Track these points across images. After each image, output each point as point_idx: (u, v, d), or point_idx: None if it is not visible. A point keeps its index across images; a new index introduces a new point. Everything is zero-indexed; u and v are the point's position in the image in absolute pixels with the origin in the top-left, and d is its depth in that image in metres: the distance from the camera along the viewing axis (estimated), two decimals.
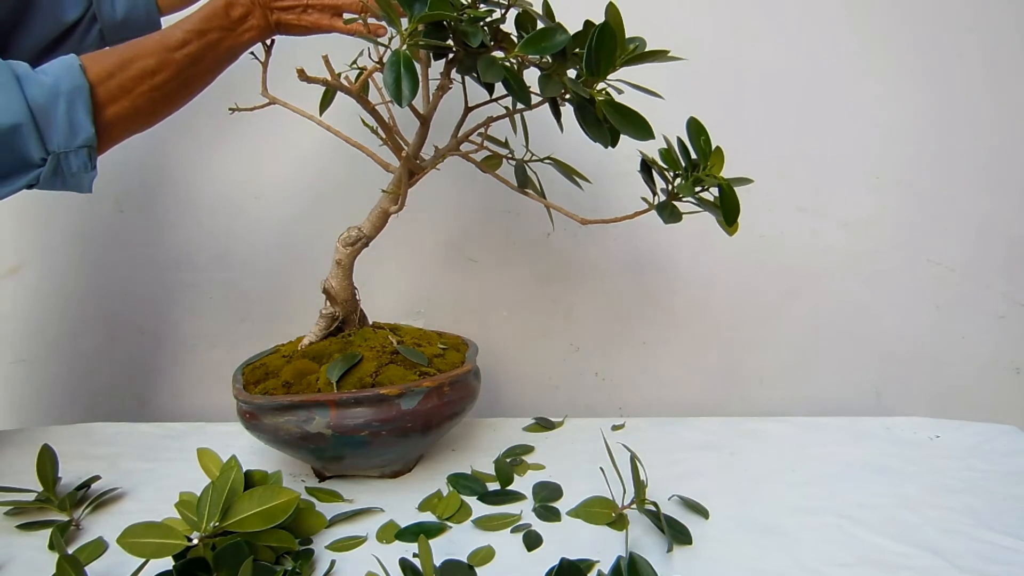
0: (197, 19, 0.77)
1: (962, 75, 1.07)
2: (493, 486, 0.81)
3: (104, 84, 0.69)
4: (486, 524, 0.73)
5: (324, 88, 0.81)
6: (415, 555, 0.65)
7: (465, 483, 0.81)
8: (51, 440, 0.81)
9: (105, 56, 0.72)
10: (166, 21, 0.84)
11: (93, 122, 0.68)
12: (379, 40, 0.73)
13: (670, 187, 0.73)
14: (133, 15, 0.87)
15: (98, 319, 1.17)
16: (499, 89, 0.74)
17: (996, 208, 1.11)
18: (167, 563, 0.60)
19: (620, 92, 0.71)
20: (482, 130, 0.84)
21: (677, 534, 0.69)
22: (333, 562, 0.66)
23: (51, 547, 0.68)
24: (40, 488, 0.75)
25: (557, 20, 0.71)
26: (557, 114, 0.76)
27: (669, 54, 0.72)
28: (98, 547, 0.69)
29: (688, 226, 0.83)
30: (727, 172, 0.71)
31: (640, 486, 0.71)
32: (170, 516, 0.68)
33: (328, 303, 0.87)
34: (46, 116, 0.66)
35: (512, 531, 0.72)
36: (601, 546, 0.69)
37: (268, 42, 0.82)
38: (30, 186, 0.69)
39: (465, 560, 0.66)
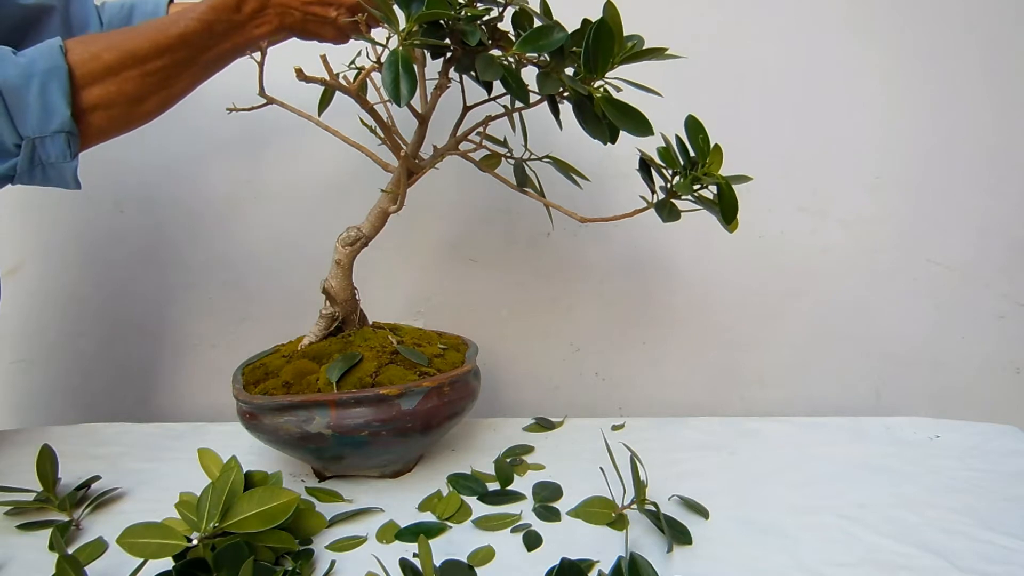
0: (205, 8, 0.72)
1: (962, 75, 1.07)
2: (493, 486, 0.81)
3: (87, 65, 0.65)
4: (486, 524, 0.73)
5: (323, 88, 0.81)
6: (415, 555, 0.65)
7: (465, 483, 0.81)
8: (51, 440, 0.81)
9: (94, 39, 0.68)
10: None
11: (70, 104, 0.65)
12: (377, 40, 0.72)
13: (668, 185, 0.73)
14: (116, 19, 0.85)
15: (98, 319, 1.17)
16: (497, 87, 0.74)
17: (996, 208, 1.11)
18: (167, 563, 0.60)
19: (619, 90, 0.71)
20: (481, 129, 0.84)
21: (677, 534, 0.69)
22: (333, 562, 0.66)
23: (51, 547, 0.68)
24: (40, 488, 0.75)
25: (555, 18, 0.71)
26: (556, 112, 0.76)
27: (667, 52, 0.72)
28: (98, 547, 0.68)
29: (688, 226, 0.83)
30: (726, 171, 0.71)
31: (640, 486, 0.70)
32: (170, 516, 0.68)
33: (328, 303, 0.87)
34: (17, 98, 0.63)
35: (512, 531, 0.72)
36: (601, 546, 0.69)
37: (264, 42, 0.80)
38: (11, 179, 0.66)
39: (465, 560, 0.66)
